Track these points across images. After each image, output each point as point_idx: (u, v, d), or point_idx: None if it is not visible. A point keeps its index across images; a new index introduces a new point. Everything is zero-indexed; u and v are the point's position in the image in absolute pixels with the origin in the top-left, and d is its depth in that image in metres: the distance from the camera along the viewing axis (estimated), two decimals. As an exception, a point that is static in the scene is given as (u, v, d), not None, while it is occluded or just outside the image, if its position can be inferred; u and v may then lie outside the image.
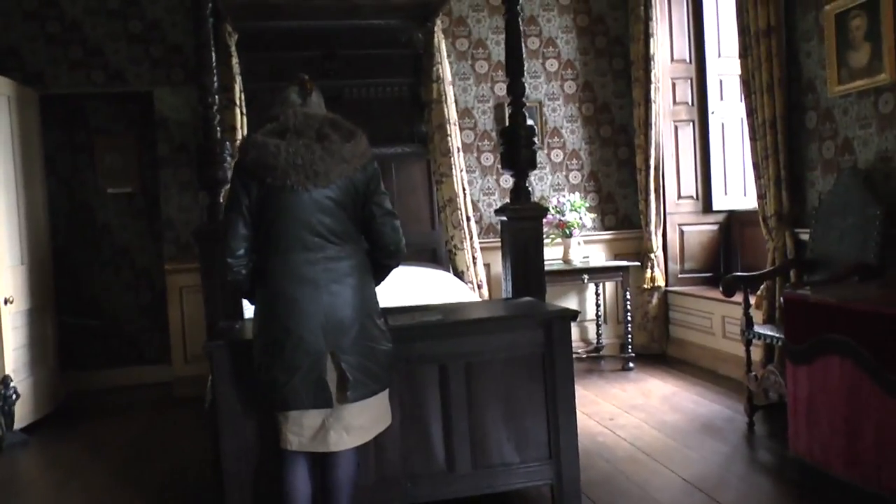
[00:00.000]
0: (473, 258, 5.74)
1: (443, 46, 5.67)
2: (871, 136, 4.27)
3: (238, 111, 5.43)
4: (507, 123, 4.03)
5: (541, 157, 6.33)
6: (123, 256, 6.29)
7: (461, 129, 6.17)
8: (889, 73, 4.07)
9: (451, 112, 5.66)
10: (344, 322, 2.63)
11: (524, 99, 3.96)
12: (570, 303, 6.35)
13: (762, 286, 4.84)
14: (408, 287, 5.17)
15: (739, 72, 5.08)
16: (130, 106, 6.18)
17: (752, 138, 4.96)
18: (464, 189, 5.71)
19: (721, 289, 4.42)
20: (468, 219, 5.72)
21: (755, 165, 4.97)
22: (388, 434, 2.95)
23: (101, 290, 6.26)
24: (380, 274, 2.86)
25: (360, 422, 2.73)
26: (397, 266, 2.87)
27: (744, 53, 4.96)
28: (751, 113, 4.94)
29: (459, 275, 5.69)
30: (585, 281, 5.82)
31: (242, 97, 5.53)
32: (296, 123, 2.65)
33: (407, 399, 3.17)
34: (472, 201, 6.19)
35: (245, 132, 5.50)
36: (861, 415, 3.19)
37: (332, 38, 5.82)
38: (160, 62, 5.91)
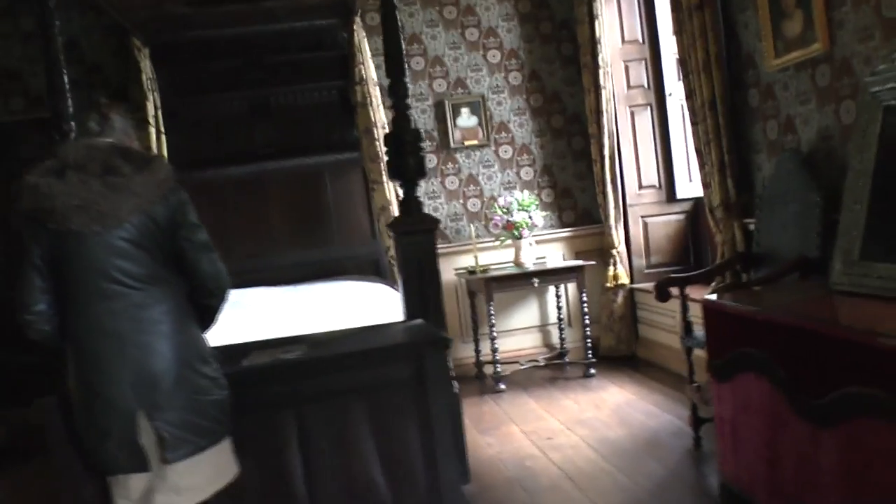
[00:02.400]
0: (414, 268, 5.37)
1: (365, 46, 5.32)
2: (812, 112, 3.81)
3: (153, 130, 5.15)
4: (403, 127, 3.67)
5: (488, 154, 5.96)
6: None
7: (401, 131, 5.83)
8: (822, 42, 3.61)
9: (379, 115, 5.31)
10: (156, 376, 2.34)
11: (407, 101, 3.60)
12: (528, 308, 5.97)
13: (712, 284, 4.41)
14: (337, 305, 4.87)
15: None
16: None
17: (693, 122, 4.51)
18: (397, 196, 5.34)
19: (654, 293, 4.00)
20: (405, 227, 5.36)
21: (698, 151, 4.53)
22: (243, 487, 2.64)
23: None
24: (205, 315, 2.55)
25: (191, 481, 2.43)
26: (221, 305, 2.56)
27: (678, 30, 4.52)
28: (689, 94, 4.50)
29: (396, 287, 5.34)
30: (536, 284, 5.42)
31: (160, 115, 5.26)
32: (76, 158, 2.34)
33: (263, 446, 2.84)
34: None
35: (164, 152, 5.24)
36: (781, 441, 2.78)
37: (256, 45, 5.53)
38: (80, 84, 5.63)
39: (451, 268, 5.87)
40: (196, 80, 5.54)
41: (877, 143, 2.85)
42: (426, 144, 5.80)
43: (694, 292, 4.14)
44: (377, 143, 5.24)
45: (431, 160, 5.91)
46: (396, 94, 3.59)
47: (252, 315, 5.02)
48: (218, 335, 4.39)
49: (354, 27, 5.27)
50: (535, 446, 4.23)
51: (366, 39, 5.36)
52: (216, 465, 2.49)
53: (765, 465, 2.88)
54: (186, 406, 2.37)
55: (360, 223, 5.70)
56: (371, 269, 5.64)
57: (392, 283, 5.38)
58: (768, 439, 2.85)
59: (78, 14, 5.53)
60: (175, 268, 2.45)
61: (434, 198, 5.91)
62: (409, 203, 3.60)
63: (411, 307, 3.52)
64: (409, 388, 2.92)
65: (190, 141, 5.49)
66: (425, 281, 3.53)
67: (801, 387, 2.62)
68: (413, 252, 3.54)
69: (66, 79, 3.48)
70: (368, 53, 5.35)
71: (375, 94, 5.34)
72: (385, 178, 5.27)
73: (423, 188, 5.76)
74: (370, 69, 5.34)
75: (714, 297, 3.21)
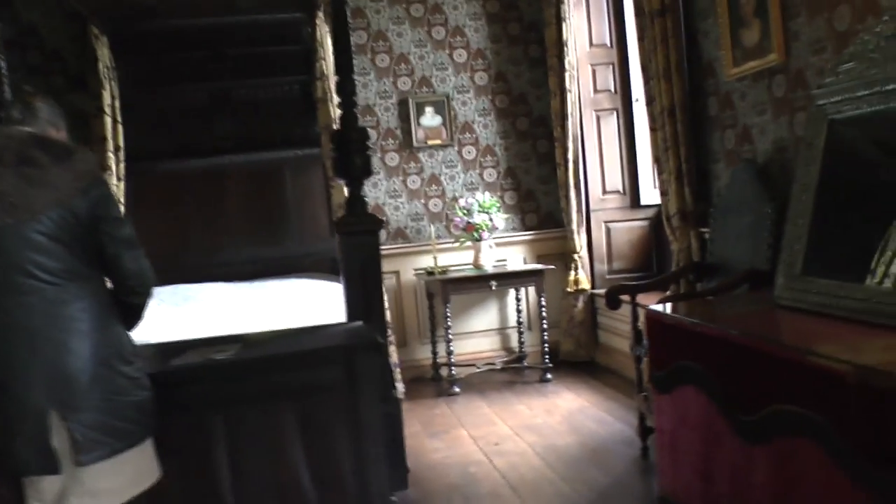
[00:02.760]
0: (370, 268, 5.30)
1: (327, 41, 5.20)
2: (768, 123, 3.78)
3: (108, 120, 5.04)
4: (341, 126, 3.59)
5: (451, 154, 5.89)
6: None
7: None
8: (777, 52, 3.57)
9: (335, 111, 5.22)
10: (70, 375, 2.24)
11: (354, 98, 3.52)
12: (487, 311, 5.91)
13: (666, 293, 4.37)
14: (288, 303, 4.79)
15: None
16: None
17: (652, 129, 4.47)
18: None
19: (605, 301, 3.95)
20: (362, 226, 5.29)
21: (656, 159, 4.49)
22: (167, 490, 2.56)
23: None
24: (129, 313, 2.45)
25: (108, 484, 2.34)
26: (145, 303, 2.47)
27: (640, 36, 4.47)
28: (650, 101, 4.46)
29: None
30: (494, 287, 5.36)
31: (117, 104, 5.15)
32: (11, 147, 2.24)
33: (190, 449, 2.76)
34: (377, 205, 5.77)
35: (121, 142, 5.14)
36: (716, 456, 2.73)
37: (219, 38, 5.43)
38: (38, 70, 5.52)
39: (410, 268, 5.81)
40: (156, 70, 5.44)
41: (821, 157, 2.81)
42: (389, 142, 5.78)
43: (647, 300, 4.09)
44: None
45: (394, 159, 5.84)
46: (344, 91, 3.51)
47: (203, 311, 4.94)
48: (165, 331, 4.36)
49: (317, 21, 5.17)
50: (482, 452, 4.17)
51: (329, 34, 5.26)
52: (135, 468, 2.40)
53: (700, 479, 2.84)
54: (102, 407, 2.28)
55: (319, 220, 5.62)
56: (328, 267, 5.55)
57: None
58: (704, 454, 2.81)
59: (38, -1, 5.42)
60: (97, 264, 2.35)
61: (395, 196, 5.84)
62: (354, 202, 3.52)
63: (353, 309, 3.45)
64: (340, 392, 2.84)
65: (148, 132, 5.39)
66: (367, 282, 3.46)
67: (738, 403, 2.58)
68: (356, 253, 3.46)
69: (2, 66, 3.35)
70: (331, 49, 5.25)
71: (333, 89, 5.25)
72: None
73: (384, 187, 5.76)
74: (331, 64, 5.24)
75: (659, 307, 3.16)
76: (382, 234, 5.73)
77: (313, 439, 2.84)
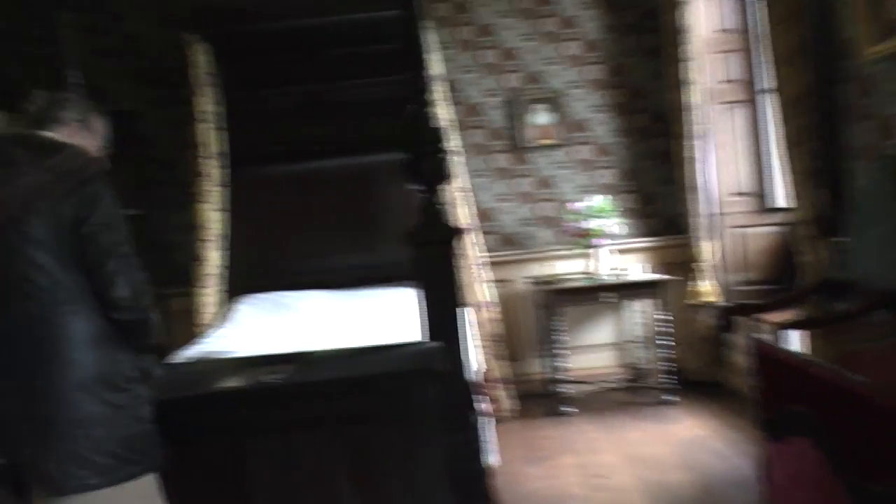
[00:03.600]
0: (473, 275, 5.01)
1: (428, 38, 4.97)
2: (918, 112, 3.15)
3: (205, 126, 5.03)
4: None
5: (563, 154, 5.49)
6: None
7: (469, 129, 5.48)
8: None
9: (441, 111, 4.96)
10: (44, 399, 2.05)
11: (426, 95, 3.25)
12: (604, 323, 5.47)
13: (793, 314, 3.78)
14: (379, 315, 4.58)
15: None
16: (120, 126, 5.94)
17: (780, 122, 3.89)
18: (456, 199, 5.00)
19: (716, 323, 3.45)
20: (465, 231, 5.00)
21: (786, 156, 3.90)
22: None
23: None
24: (129, 334, 2.16)
25: None
26: (138, 320, 2.15)
27: (766, 16, 3.90)
28: (776, 90, 3.88)
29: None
30: (608, 299, 4.91)
31: (214, 110, 5.14)
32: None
33: (230, 474, 2.57)
34: (485, 209, 5.47)
35: (222, 148, 5.13)
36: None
37: (313, 38, 5.29)
38: (144, 80, 5.63)
39: (521, 276, 5.47)
40: (252, 74, 5.37)
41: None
42: (497, 143, 5.46)
43: (772, 320, 3.55)
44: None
45: (502, 160, 5.51)
46: (415, 89, 3.23)
47: (296, 319, 4.82)
48: (256, 339, 4.26)
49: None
50: (583, 484, 3.79)
51: (428, 31, 5.02)
52: None
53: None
54: (81, 437, 2.04)
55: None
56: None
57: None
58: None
59: (138, 7, 5.51)
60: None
61: (505, 200, 5.51)
62: (428, 210, 3.23)
63: (430, 327, 3.17)
64: (393, 423, 2.58)
65: (246, 137, 5.33)
66: (443, 298, 3.16)
67: (863, 465, 2.08)
68: (430, 265, 3.17)
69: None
70: (431, 46, 5.01)
71: (440, 89, 5.00)
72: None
73: (492, 190, 5.44)
74: (432, 63, 5.00)
75: (769, 336, 2.67)
76: (492, 240, 5.47)
77: (363, 472, 2.58)
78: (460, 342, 3.19)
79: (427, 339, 3.13)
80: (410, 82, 3.29)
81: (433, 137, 3.21)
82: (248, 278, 5.44)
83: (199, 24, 5.14)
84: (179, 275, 5.40)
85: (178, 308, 5.49)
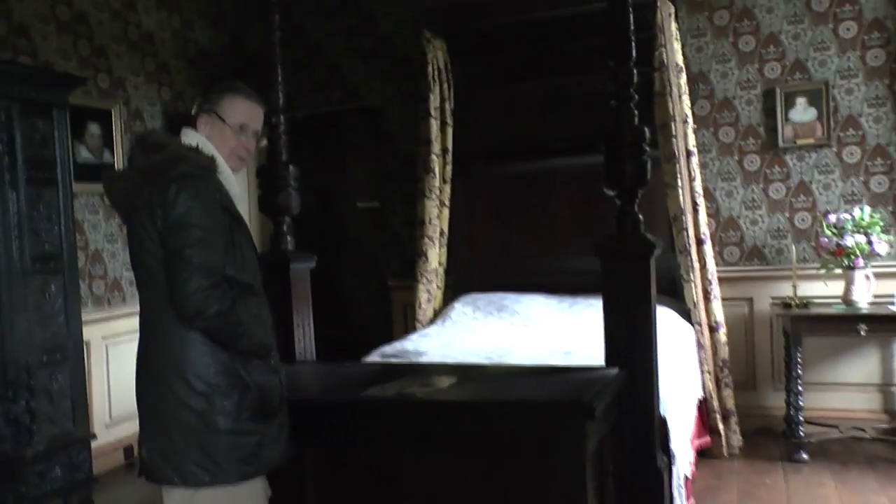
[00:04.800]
0: (706, 292, 4.45)
1: (670, 26, 4.48)
2: None
3: (434, 122, 4.99)
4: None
5: (828, 156, 4.70)
6: (370, 269, 6.27)
7: (717, 126, 4.89)
8: None
9: (679, 106, 4.45)
10: (143, 390, 2.11)
11: (632, 89, 2.86)
12: (862, 358, 4.62)
13: None
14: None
15: None
16: (368, 121, 6.14)
17: None
18: (694, 204, 4.45)
19: None
20: (699, 241, 4.45)
21: None
22: None
23: (349, 301, 6.34)
24: (211, 338, 2.04)
25: None
26: (206, 328, 2.01)
27: None
28: None
29: (685, 312, 4.48)
30: (863, 332, 4.09)
31: (448, 106, 5.09)
32: (130, 150, 2.25)
33: (368, 484, 2.45)
34: (728, 217, 4.86)
35: (449, 145, 5.07)
36: None
37: (552, 31, 5.03)
38: (389, 77, 5.75)
39: (767, 296, 4.79)
40: (489, 70, 5.24)
41: None
42: (750, 142, 4.85)
43: None
44: (673, 140, 4.41)
45: (754, 162, 4.85)
46: (619, 83, 2.87)
47: (515, 324, 4.64)
48: (473, 340, 4.13)
49: (658, 4, 4.48)
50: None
51: (672, 18, 4.53)
52: None
53: None
54: (161, 432, 2.04)
55: (657, 231, 4.86)
56: (665, 288, 4.78)
57: (684, 309, 4.53)
58: None
59: (386, 8, 5.64)
60: None
61: (753, 208, 4.84)
62: (624, 219, 2.85)
63: (611, 351, 2.80)
64: (535, 457, 2.28)
65: (474, 133, 5.23)
66: (633, 319, 2.78)
67: None
68: (620, 281, 2.80)
69: (279, 72, 3.37)
70: (674, 34, 4.51)
71: (679, 82, 4.49)
72: (679, 181, 4.43)
73: (740, 195, 4.84)
74: (674, 53, 4.50)
75: None
76: (735, 252, 4.87)
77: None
78: (653, 371, 2.80)
79: (608, 364, 2.79)
80: (614, 75, 2.91)
81: (635, 137, 2.82)
82: (469, 277, 5.37)
83: (437, 21, 5.14)
84: (407, 268, 5.46)
85: (403, 301, 5.57)
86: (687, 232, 4.42)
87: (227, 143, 2.20)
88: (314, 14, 5.93)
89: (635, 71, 2.93)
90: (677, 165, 4.45)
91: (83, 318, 3.98)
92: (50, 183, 3.72)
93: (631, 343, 2.78)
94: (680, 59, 4.54)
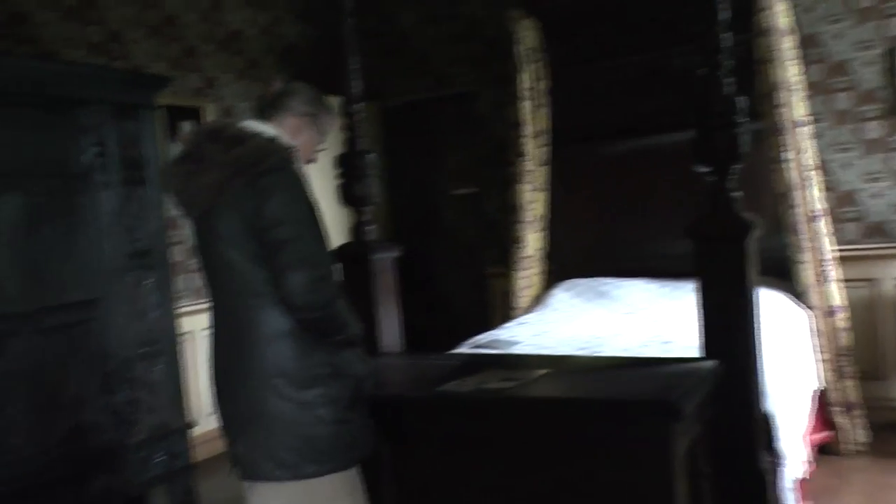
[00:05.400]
0: (820, 274, 4.11)
1: (773, -16, 4.14)
2: None
3: (526, 104, 4.82)
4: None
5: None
6: (467, 257, 6.17)
7: (830, 92, 4.50)
8: None
9: (785, 73, 4.11)
10: (238, 388, 2.08)
11: (720, 55, 2.62)
12: None
13: None
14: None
15: None
16: (461, 107, 6.02)
17: None
18: (802, 179, 4.11)
19: None
20: (811, 219, 4.10)
21: None
22: None
23: (447, 290, 6.28)
24: (309, 328, 2.03)
25: None
26: (315, 320, 2.00)
27: None
28: None
29: (798, 296, 4.15)
30: None
31: (540, 87, 4.90)
32: (188, 142, 2.12)
33: (438, 482, 2.37)
34: (845, 191, 4.47)
35: (544, 126, 4.89)
36: None
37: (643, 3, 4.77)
38: (480, 61, 5.61)
39: (891, 276, 4.38)
40: (579, 47, 5.01)
41: None
42: (869, 109, 4.44)
43: None
44: (778, 110, 4.08)
45: (874, 130, 4.43)
46: (708, 48, 2.64)
47: (615, 309, 4.45)
48: (570, 326, 3.98)
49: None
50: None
51: (776, -23, 4.18)
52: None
53: None
54: (264, 428, 2.03)
55: (764, 210, 4.53)
56: (773, 270, 4.44)
57: (796, 292, 4.21)
58: None
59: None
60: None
61: (874, 180, 4.43)
62: (716, 198, 2.62)
63: (708, 342, 2.58)
64: (615, 459, 2.11)
65: (569, 114, 5.01)
66: (729, 307, 2.55)
67: None
68: (715, 266, 2.58)
69: (355, 62, 3.30)
70: (776, -6, 4.17)
71: (785, 46, 4.14)
72: (786, 154, 4.10)
73: (858, 167, 4.46)
74: (779, 15, 4.15)
75: None
76: (853, 229, 4.47)
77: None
78: (754, 363, 2.56)
79: (706, 355, 2.57)
80: (702, 41, 2.68)
81: (726, 109, 2.59)
82: (567, 262, 5.18)
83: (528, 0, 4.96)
84: (505, 256, 5.33)
85: (502, 289, 5.44)
86: (796, 209, 4.09)
87: (309, 148, 2.26)
88: (403, 1, 5.88)
89: (724, 35, 2.67)
90: (783, 137, 4.12)
91: (182, 310, 4.10)
92: (141, 182, 3.81)
93: (728, 333, 2.56)
94: (785, 22, 4.19)
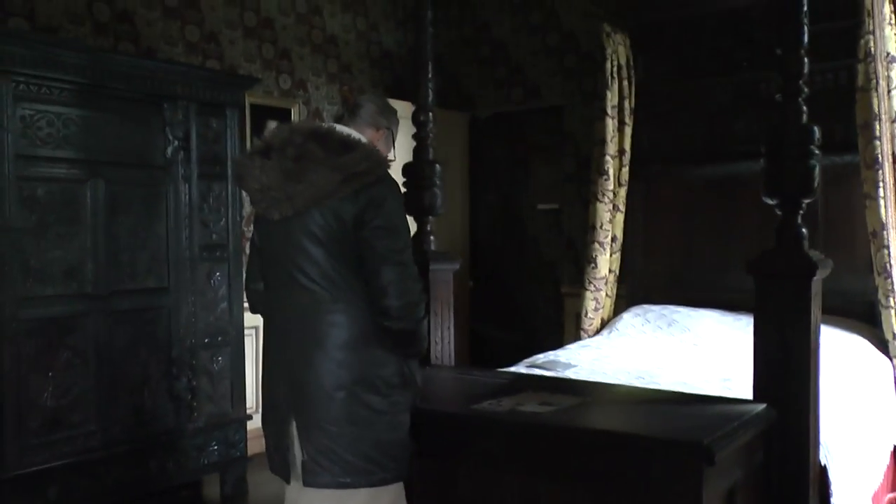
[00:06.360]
0: (916, 317, 3.83)
1: (883, 9, 3.89)
2: None
3: (611, 122, 4.70)
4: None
5: None
6: (547, 273, 6.07)
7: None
8: None
9: (888, 103, 3.86)
10: (308, 390, 2.08)
11: (801, 81, 2.49)
12: None
13: None
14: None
15: None
16: (550, 121, 5.94)
17: None
18: (897, 218, 3.85)
19: None
20: (904, 261, 3.84)
21: None
22: None
23: (525, 305, 6.19)
24: (395, 339, 2.10)
25: None
26: (406, 329, 2.08)
27: None
28: None
29: (884, 343, 3.88)
30: None
31: (627, 105, 4.77)
32: (277, 141, 2.14)
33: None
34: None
35: (627, 146, 4.77)
36: None
37: (742, 22, 4.59)
38: (572, 74, 5.54)
39: None
40: (675, 65, 4.87)
41: None
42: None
43: None
44: (876, 142, 3.84)
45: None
46: (787, 73, 2.50)
47: (685, 341, 4.28)
48: (639, 355, 3.87)
49: (868, -16, 3.91)
50: None
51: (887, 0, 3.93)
52: None
53: None
54: (333, 433, 2.05)
55: (856, 249, 4.27)
56: (862, 313, 4.19)
57: (882, 339, 3.95)
58: None
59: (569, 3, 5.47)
60: (360, 275, 2.10)
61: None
62: (784, 233, 2.48)
63: (761, 384, 2.44)
64: (640, 496, 2.02)
65: (662, 133, 4.88)
66: (787, 348, 2.40)
67: None
68: (776, 304, 2.43)
69: (430, 70, 3.29)
70: (887, 18, 3.91)
71: (889, 74, 3.89)
72: (882, 191, 3.84)
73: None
74: (885, 40, 3.90)
75: None
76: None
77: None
78: (809, 410, 2.41)
79: (756, 398, 2.43)
80: (781, 65, 2.53)
81: (802, 138, 2.45)
82: (642, 286, 5.03)
83: (621, 13, 4.87)
84: (580, 274, 5.22)
85: (577, 309, 5.33)
86: (888, 250, 3.83)
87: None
88: (499, 11, 5.86)
89: (806, 60, 2.53)
90: (880, 172, 3.87)
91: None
92: (220, 177, 3.94)
93: (783, 376, 2.41)
94: (893, 48, 3.94)
